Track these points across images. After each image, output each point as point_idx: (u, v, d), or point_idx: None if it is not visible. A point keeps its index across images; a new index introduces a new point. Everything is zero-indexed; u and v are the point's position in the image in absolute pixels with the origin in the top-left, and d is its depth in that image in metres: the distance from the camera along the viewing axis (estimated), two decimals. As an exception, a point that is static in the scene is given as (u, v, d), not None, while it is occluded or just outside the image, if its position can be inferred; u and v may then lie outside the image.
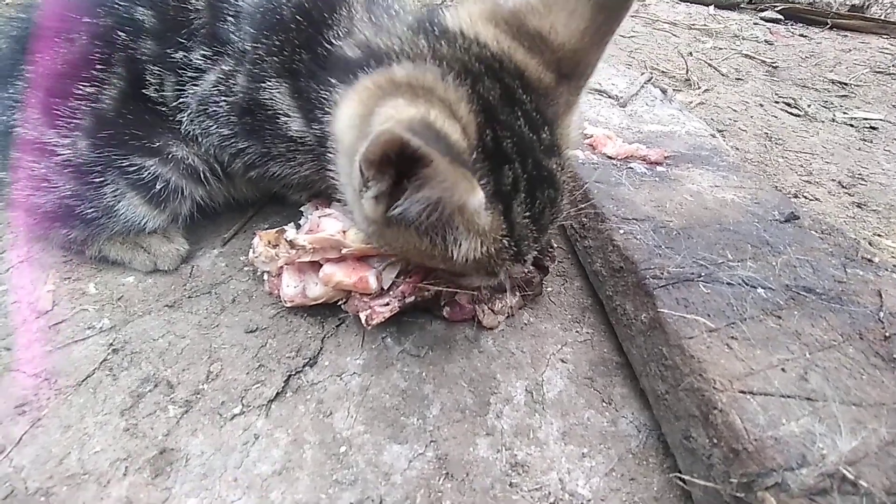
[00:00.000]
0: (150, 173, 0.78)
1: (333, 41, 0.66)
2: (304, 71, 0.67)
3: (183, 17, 0.72)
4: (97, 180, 0.77)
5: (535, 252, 0.66)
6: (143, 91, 0.76)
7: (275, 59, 0.69)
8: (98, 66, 0.73)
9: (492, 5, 0.64)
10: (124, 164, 0.77)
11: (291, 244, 0.73)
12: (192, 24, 0.72)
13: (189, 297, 0.84)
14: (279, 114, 0.70)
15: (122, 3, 0.74)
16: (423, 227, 0.55)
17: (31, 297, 0.81)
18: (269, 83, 0.69)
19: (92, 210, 0.79)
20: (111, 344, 0.75)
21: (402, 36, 0.62)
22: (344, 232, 0.73)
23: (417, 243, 0.58)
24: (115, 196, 0.79)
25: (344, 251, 0.72)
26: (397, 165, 0.48)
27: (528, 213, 0.58)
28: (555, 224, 0.65)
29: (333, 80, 0.63)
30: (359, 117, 0.53)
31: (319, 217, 0.77)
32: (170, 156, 0.79)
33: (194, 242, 0.93)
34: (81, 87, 0.73)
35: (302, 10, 0.68)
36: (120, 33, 0.73)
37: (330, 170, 0.66)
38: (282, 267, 0.78)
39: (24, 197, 0.80)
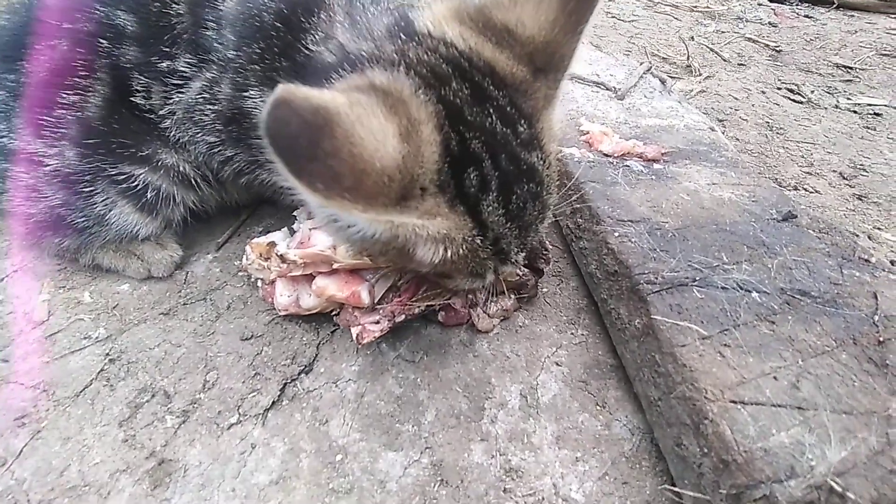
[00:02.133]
0: (140, 181, 0.78)
1: (311, 47, 0.64)
2: (284, 78, 0.65)
3: (165, 22, 0.71)
4: (87, 189, 0.76)
5: (524, 251, 0.64)
6: (130, 99, 0.74)
7: (256, 66, 0.67)
8: (81, 74, 0.72)
9: (457, 3, 0.61)
10: (113, 173, 0.76)
11: (282, 258, 0.73)
12: (174, 29, 0.71)
13: (184, 304, 0.85)
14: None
15: (101, 9, 0.72)
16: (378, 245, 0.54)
17: (26, 307, 0.81)
18: (252, 91, 0.68)
19: (83, 219, 0.79)
20: (108, 354, 0.76)
21: (377, 39, 0.60)
22: (334, 248, 0.72)
23: (396, 247, 0.56)
24: (106, 205, 0.78)
25: (335, 266, 0.72)
26: None
27: (502, 211, 0.56)
28: (542, 220, 0.62)
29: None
30: None
31: (310, 229, 0.76)
32: (159, 163, 0.79)
33: (188, 248, 0.93)
34: (65, 95, 0.72)
35: (281, 16, 0.66)
36: (101, 40, 0.72)
37: None
38: (275, 277, 0.78)
39: (15, 206, 0.79)
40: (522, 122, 0.58)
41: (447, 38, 0.59)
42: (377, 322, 0.73)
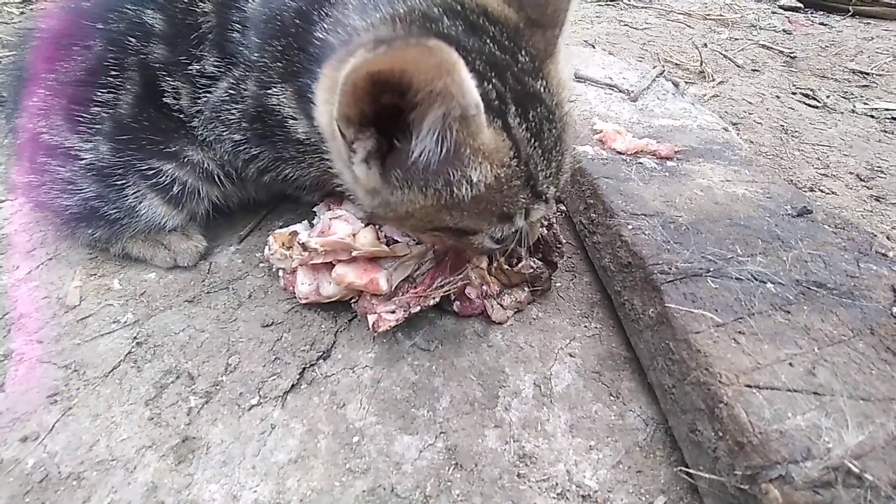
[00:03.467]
0: (167, 176, 0.81)
1: (322, 35, 0.65)
2: (302, 72, 0.68)
3: (192, 20, 0.74)
4: (119, 183, 0.80)
5: (554, 187, 0.63)
6: (159, 97, 0.78)
7: (279, 64, 0.70)
8: (113, 73, 0.76)
9: None
10: (144, 168, 0.80)
11: (304, 246, 0.75)
12: (200, 28, 0.74)
13: (208, 292, 0.88)
14: (287, 118, 0.72)
15: (131, 8, 0.75)
16: (428, 175, 0.54)
17: (59, 292, 0.85)
18: (276, 88, 0.70)
19: (115, 211, 0.82)
20: (135, 337, 0.79)
21: (376, 13, 0.60)
22: (354, 235, 0.75)
23: (423, 201, 0.57)
24: (137, 197, 0.82)
25: (354, 253, 0.74)
26: (376, 119, 0.48)
27: (525, 126, 0.56)
28: (563, 156, 0.62)
29: (319, 72, 0.63)
30: (328, 90, 0.50)
31: (331, 219, 0.79)
32: (186, 159, 0.82)
33: (212, 240, 0.96)
34: (99, 93, 0.76)
35: (300, 12, 0.68)
36: (131, 39, 0.75)
37: (332, 167, 0.67)
38: (296, 266, 0.80)
39: (51, 199, 0.84)
40: (522, 53, 0.59)
41: None
42: (393, 311, 0.74)
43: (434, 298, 0.77)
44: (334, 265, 0.77)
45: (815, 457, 0.49)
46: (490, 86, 0.55)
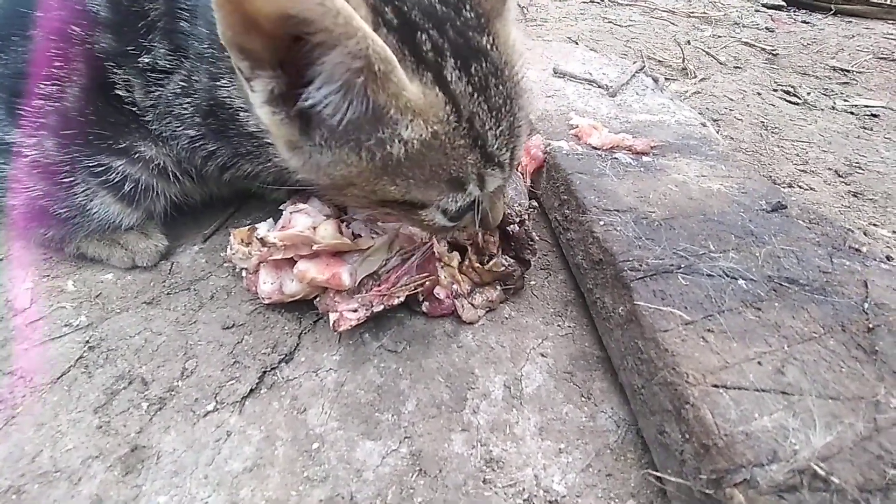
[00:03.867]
0: (118, 173, 0.77)
1: None
2: None
3: (138, 7, 0.70)
4: (67, 180, 0.76)
5: (508, 151, 0.58)
6: (110, 90, 0.74)
7: (226, 54, 0.67)
8: (57, 63, 0.71)
9: None
10: (92, 165, 0.76)
11: (262, 242, 0.72)
12: (148, 15, 0.70)
13: (167, 293, 0.84)
14: (238, 110, 0.68)
15: None
16: (353, 132, 0.51)
17: (9, 294, 0.81)
18: (225, 80, 0.67)
19: (65, 210, 0.78)
20: (87, 341, 0.75)
21: None
22: (314, 228, 0.72)
23: (357, 163, 0.54)
24: (87, 195, 0.78)
25: (315, 247, 0.72)
26: (284, 59, 0.44)
27: (468, 83, 0.52)
28: (513, 111, 0.57)
29: None
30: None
31: (291, 213, 0.76)
32: (138, 156, 0.78)
33: (174, 239, 0.92)
34: (42, 85, 0.72)
35: None
36: (75, 27, 0.71)
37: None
38: (259, 264, 0.77)
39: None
40: (466, 8, 0.55)
41: None
42: (355, 310, 0.72)
43: (398, 297, 0.75)
44: (296, 262, 0.74)
45: (781, 459, 0.47)
46: (425, 37, 0.51)
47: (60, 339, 0.75)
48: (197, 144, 0.76)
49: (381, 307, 0.73)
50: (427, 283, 0.77)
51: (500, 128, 0.57)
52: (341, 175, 0.55)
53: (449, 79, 0.52)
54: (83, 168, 0.76)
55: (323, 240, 0.71)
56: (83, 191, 0.77)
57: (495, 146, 0.57)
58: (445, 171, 0.56)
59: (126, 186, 0.78)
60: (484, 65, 0.54)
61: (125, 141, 0.77)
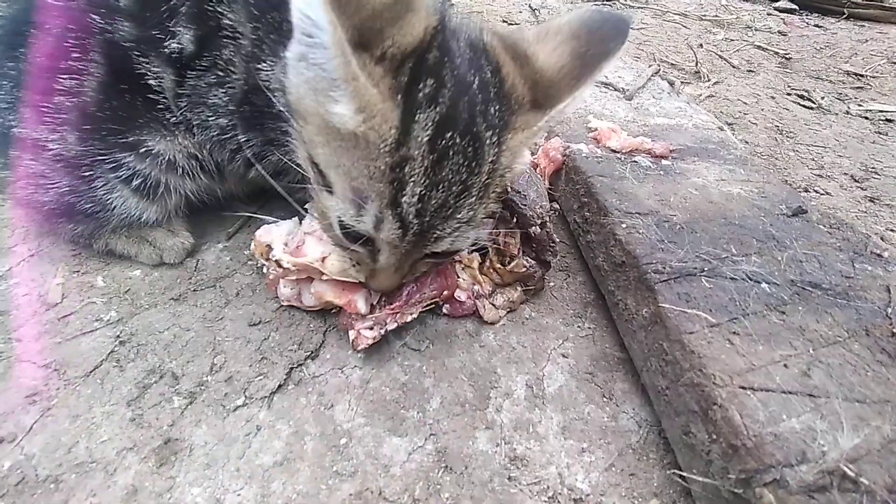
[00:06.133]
0: (128, 168, 0.77)
1: None
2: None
3: None
4: (88, 174, 0.77)
5: (417, 225, 0.59)
6: (133, 81, 0.73)
7: (272, 36, 0.67)
8: (75, 56, 0.71)
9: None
10: (107, 159, 0.76)
11: (277, 263, 0.74)
12: (170, 1, 0.69)
13: (194, 290, 0.86)
14: (272, 91, 0.68)
15: None
16: (312, 77, 0.55)
17: (41, 289, 0.83)
18: (265, 63, 0.68)
19: (89, 204, 0.79)
20: (118, 336, 0.77)
21: None
22: (324, 259, 0.72)
23: (311, 106, 0.57)
24: (106, 189, 0.78)
25: (324, 278, 0.73)
26: None
27: (429, 138, 0.55)
28: (457, 201, 0.59)
29: None
30: None
31: (305, 234, 0.76)
32: (145, 151, 0.77)
33: (199, 236, 0.94)
34: (63, 79, 0.72)
35: None
36: (94, 16, 0.70)
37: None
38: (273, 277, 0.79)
39: (28, 195, 0.81)
40: (495, 106, 0.60)
41: (477, 32, 0.66)
42: (371, 328, 0.73)
43: (411, 314, 0.75)
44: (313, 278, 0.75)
45: (811, 460, 0.48)
46: (433, 86, 0.56)
47: (92, 334, 0.77)
48: (227, 136, 0.77)
49: (395, 325, 0.74)
50: (445, 292, 0.78)
51: (430, 197, 0.57)
52: (304, 103, 0.58)
53: (416, 119, 0.55)
54: (101, 162, 0.77)
55: (330, 274, 0.71)
56: (102, 185, 0.78)
57: (410, 203, 0.57)
58: (355, 176, 0.58)
59: (134, 182, 0.79)
60: (460, 142, 0.57)
61: (132, 136, 0.76)
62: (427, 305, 0.77)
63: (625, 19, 0.66)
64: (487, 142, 0.59)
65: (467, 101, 0.58)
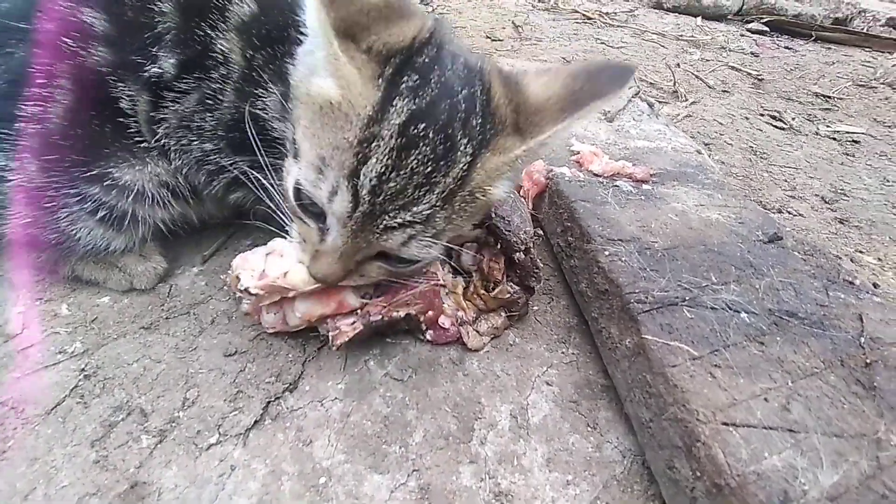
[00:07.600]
0: (92, 200, 0.74)
1: None
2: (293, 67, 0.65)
3: (146, 18, 0.68)
4: (50, 205, 0.73)
5: (371, 199, 0.58)
6: (104, 107, 0.71)
7: (271, 66, 0.67)
8: (40, 83, 0.68)
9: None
10: (70, 191, 0.73)
11: (247, 292, 0.71)
12: (155, 27, 0.68)
13: (166, 318, 0.82)
14: (270, 121, 0.69)
15: (65, 3, 0.67)
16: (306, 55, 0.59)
17: (-1, 319, 0.78)
18: (261, 91, 0.68)
19: (53, 234, 0.75)
20: (83, 369, 0.73)
21: None
22: (285, 274, 0.70)
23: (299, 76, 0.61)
24: (70, 220, 0.75)
25: (291, 294, 0.71)
26: None
27: (399, 121, 0.56)
28: (415, 192, 0.58)
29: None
30: None
31: (266, 255, 0.73)
32: (111, 183, 0.74)
33: (173, 260, 0.91)
34: (26, 106, 0.68)
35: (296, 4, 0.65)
36: (66, 41, 0.68)
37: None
38: (249, 308, 0.76)
39: None
40: (477, 119, 0.61)
41: (477, 59, 0.68)
42: (352, 322, 0.71)
43: (398, 312, 0.74)
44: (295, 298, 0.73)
45: (792, 499, 0.48)
46: (415, 81, 0.58)
47: (54, 367, 0.73)
48: (209, 159, 0.75)
49: (380, 317, 0.72)
50: (430, 312, 0.77)
51: (389, 179, 0.57)
52: (300, 89, 0.61)
53: (393, 102, 0.57)
54: (63, 192, 0.73)
55: (295, 287, 0.69)
56: (66, 216, 0.74)
57: (368, 177, 0.57)
58: (324, 146, 0.59)
59: (101, 212, 0.75)
60: (432, 137, 0.57)
61: (97, 167, 0.73)
62: (415, 310, 0.75)
63: (629, 68, 0.66)
64: (461, 149, 0.59)
65: (449, 105, 0.59)
